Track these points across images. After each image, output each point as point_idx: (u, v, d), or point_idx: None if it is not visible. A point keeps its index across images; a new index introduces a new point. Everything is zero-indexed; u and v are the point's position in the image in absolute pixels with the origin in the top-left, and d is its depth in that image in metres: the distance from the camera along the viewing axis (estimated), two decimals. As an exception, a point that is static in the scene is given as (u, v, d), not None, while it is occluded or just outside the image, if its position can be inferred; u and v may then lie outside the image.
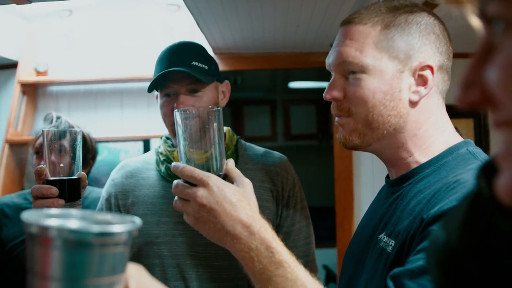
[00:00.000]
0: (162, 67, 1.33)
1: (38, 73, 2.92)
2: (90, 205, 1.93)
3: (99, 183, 2.39)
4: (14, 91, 2.82)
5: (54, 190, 1.05)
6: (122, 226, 0.42)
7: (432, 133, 0.94)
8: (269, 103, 5.83)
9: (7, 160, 2.73)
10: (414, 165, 0.94)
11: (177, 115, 0.85)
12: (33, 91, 2.92)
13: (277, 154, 1.48)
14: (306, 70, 4.51)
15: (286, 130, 5.81)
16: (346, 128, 0.96)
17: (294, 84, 5.40)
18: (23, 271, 1.66)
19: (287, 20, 2.17)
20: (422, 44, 0.92)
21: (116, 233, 0.41)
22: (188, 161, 0.85)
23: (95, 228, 0.40)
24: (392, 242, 0.86)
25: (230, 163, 0.88)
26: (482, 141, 2.87)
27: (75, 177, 1.09)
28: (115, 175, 1.45)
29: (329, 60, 0.97)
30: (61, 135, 1.12)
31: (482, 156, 0.90)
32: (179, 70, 1.28)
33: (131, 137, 2.72)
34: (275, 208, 1.38)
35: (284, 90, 5.73)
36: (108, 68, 2.85)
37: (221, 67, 2.88)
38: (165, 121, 1.38)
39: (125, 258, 0.44)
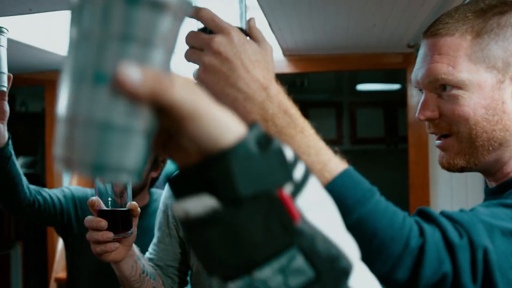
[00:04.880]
0: None
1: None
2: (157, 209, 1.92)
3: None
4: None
5: (103, 223, 1.08)
6: None
7: None
8: (335, 105, 5.70)
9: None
10: None
11: None
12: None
13: None
14: (374, 71, 4.36)
15: (352, 133, 5.66)
16: (450, 150, 0.88)
17: (361, 86, 5.26)
18: (93, 270, 1.65)
19: (364, 18, 2.07)
20: None
21: None
22: None
23: None
24: None
25: (253, 21, 0.77)
26: None
27: (125, 208, 1.12)
28: None
29: (418, 77, 0.90)
30: None
31: None
32: None
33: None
34: None
35: (350, 93, 5.59)
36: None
37: (290, 69, 2.83)
38: None
39: (176, 35, 0.39)
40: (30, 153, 4.10)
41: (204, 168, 0.38)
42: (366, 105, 5.66)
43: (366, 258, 0.46)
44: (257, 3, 1.81)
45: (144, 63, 0.37)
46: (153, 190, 1.98)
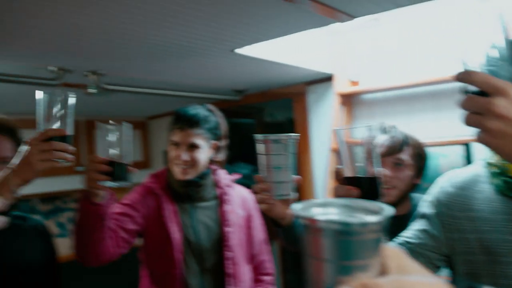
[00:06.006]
0: None
1: (352, 83, 3.11)
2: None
3: (421, 189, 2.37)
4: (333, 102, 3.07)
5: (354, 191, 1.09)
6: (376, 217, 0.49)
7: None
8: None
9: (332, 167, 2.99)
10: None
11: None
12: (348, 100, 3.12)
13: None
14: None
15: None
16: None
17: None
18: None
19: None
20: None
21: (372, 223, 0.49)
22: None
23: (354, 220, 0.48)
24: None
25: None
26: None
27: (373, 176, 1.10)
28: (445, 184, 1.40)
29: None
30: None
31: None
32: None
33: (450, 141, 2.61)
34: None
35: None
36: (420, 71, 2.82)
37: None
38: None
39: (380, 243, 0.51)
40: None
41: None
42: None
43: None
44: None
45: (359, 273, 0.49)
46: (413, 195, 1.98)
